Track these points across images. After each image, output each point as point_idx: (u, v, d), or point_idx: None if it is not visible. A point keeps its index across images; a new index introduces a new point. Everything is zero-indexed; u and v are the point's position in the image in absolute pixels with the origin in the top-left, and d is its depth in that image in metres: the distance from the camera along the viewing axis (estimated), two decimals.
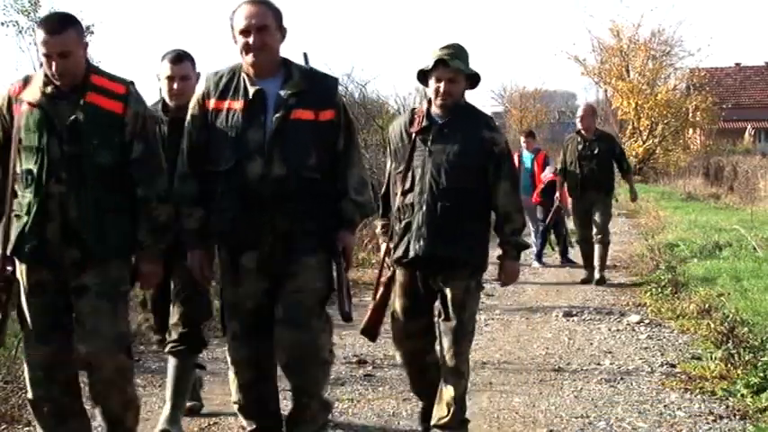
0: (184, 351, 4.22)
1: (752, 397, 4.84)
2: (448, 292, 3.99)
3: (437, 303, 4.10)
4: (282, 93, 3.49)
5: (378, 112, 19.59)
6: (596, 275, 9.47)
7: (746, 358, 5.42)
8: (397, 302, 4.13)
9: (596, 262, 9.48)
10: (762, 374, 5.03)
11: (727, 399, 4.92)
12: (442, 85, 3.95)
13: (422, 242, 3.95)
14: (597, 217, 9.40)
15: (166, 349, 4.27)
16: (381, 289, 4.13)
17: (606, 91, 37.95)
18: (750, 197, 21.10)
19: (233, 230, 3.51)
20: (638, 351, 6.26)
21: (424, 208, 3.95)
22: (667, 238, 12.75)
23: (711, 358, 5.72)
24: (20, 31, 8.71)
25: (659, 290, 8.61)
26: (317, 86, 3.56)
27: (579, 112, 9.76)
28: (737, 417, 4.62)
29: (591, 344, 6.53)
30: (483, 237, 4.06)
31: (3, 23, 8.76)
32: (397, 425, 4.54)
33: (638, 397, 5.06)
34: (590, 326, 7.24)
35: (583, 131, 9.53)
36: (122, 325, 3.49)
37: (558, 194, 10.22)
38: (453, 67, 3.93)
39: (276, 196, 3.44)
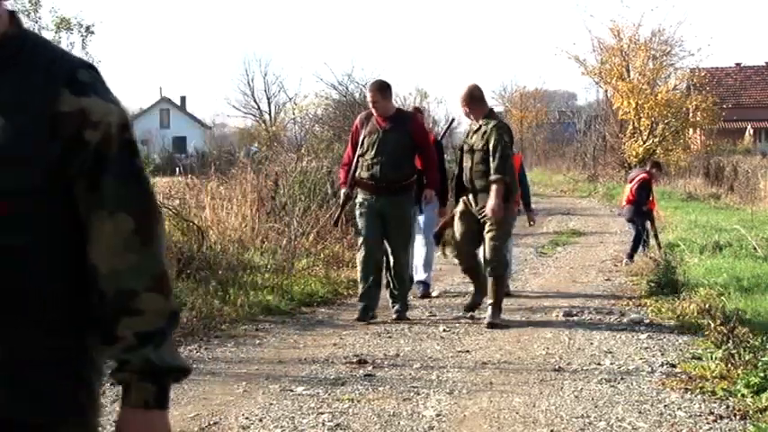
0: None
1: (752, 397, 4.84)
2: None
3: None
4: None
5: None
6: (488, 317, 7.05)
7: (746, 358, 5.42)
8: None
9: (488, 299, 7.12)
10: (762, 374, 5.03)
11: (728, 399, 4.92)
12: None
13: None
14: (487, 238, 6.93)
15: None
16: None
17: (606, 91, 37.89)
18: (750, 197, 21.13)
19: None
20: (638, 351, 6.25)
21: None
22: (667, 238, 12.75)
23: (711, 358, 5.72)
24: None
25: (659, 290, 8.61)
26: None
27: (461, 93, 7.21)
28: (738, 417, 4.62)
29: (591, 344, 6.53)
30: (75, 361, 1.56)
31: None
32: (397, 425, 4.54)
33: (639, 397, 5.06)
34: (590, 326, 7.24)
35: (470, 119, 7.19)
36: None
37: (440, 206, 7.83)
38: None
39: None
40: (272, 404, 4.89)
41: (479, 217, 7.04)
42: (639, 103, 33.37)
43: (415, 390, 5.17)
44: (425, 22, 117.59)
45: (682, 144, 34.66)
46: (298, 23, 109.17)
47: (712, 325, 6.50)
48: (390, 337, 6.76)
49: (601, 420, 4.60)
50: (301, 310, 7.93)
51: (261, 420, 4.61)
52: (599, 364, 5.87)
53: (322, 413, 4.71)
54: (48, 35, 8.71)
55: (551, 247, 13.55)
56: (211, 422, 4.58)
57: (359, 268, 7.33)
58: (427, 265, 8.62)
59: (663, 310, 7.75)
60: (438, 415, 4.69)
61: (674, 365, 5.78)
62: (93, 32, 8.65)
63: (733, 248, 10.90)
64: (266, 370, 5.71)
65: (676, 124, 34.14)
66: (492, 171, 6.89)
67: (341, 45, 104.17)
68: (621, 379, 5.44)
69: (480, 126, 7.04)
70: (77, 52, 8.76)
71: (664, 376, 5.50)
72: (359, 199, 7.28)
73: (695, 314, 7.27)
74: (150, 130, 59.20)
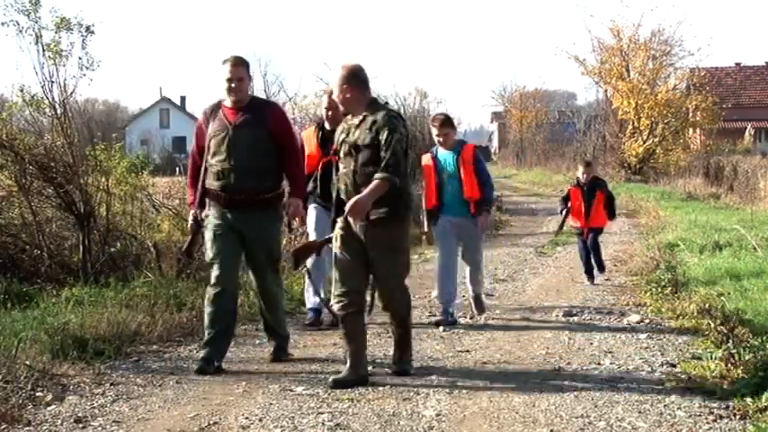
0: None
1: (752, 397, 4.84)
2: None
3: None
4: None
5: None
6: (397, 368, 5.63)
7: (746, 358, 5.43)
8: None
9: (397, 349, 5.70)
10: (762, 374, 5.03)
11: (728, 399, 4.92)
12: None
13: None
14: (378, 271, 5.38)
15: None
16: None
17: (606, 91, 37.94)
18: (750, 197, 21.11)
19: None
20: (638, 351, 6.25)
21: None
22: (667, 238, 12.74)
23: (711, 358, 5.72)
24: (20, 31, 8.70)
25: (659, 290, 8.61)
26: None
27: (335, 80, 5.44)
28: (737, 417, 4.61)
29: (591, 344, 6.53)
30: None
31: (3, 23, 8.75)
32: (397, 425, 4.54)
33: (638, 397, 5.05)
34: (590, 326, 7.24)
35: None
36: None
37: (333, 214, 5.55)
38: None
39: None
40: (271, 404, 4.89)
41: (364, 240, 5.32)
42: (639, 102, 33.41)
43: (415, 390, 5.17)
44: (425, 22, 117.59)
45: (681, 144, 34.72)
46: (298, 23, 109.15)
47: (712, 325, 6.50)
48: (390, 337, 6.74)
49: (601, 420, 4.60)
50: (301, 310, 7.91)
51: (261, 420, 4.61)
52: (599, 364, 5.87)
53: (322, 413, 4.72)
54: (48, 35, 8.70)
55: (551, 247, 13.55)
56: (211, 422, 4.58)
57: (206, 310, 5.67)
58: (318, 281, 7.02)
59: (663, 310, 7.75)
60: (438, 415, 4.69)
61: (674, 365, 5.78)
62: (93, 32, 8.62)
63: (733, 248, 10.89)
64: (266, 370, 5.71)
65: (676, 124, 34.20)
66: (381, 168, 5.21)
67: (341, 45, 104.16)
68: (621, 379, 5.44)
69: (365, 117, 5.34)
70: (77, 52, 8.76)
71: (664, 376, 5.50)
72: (208, 216, 5.77)
73: (695, 314, 7.27)
74: (150, 130, 59.28)
